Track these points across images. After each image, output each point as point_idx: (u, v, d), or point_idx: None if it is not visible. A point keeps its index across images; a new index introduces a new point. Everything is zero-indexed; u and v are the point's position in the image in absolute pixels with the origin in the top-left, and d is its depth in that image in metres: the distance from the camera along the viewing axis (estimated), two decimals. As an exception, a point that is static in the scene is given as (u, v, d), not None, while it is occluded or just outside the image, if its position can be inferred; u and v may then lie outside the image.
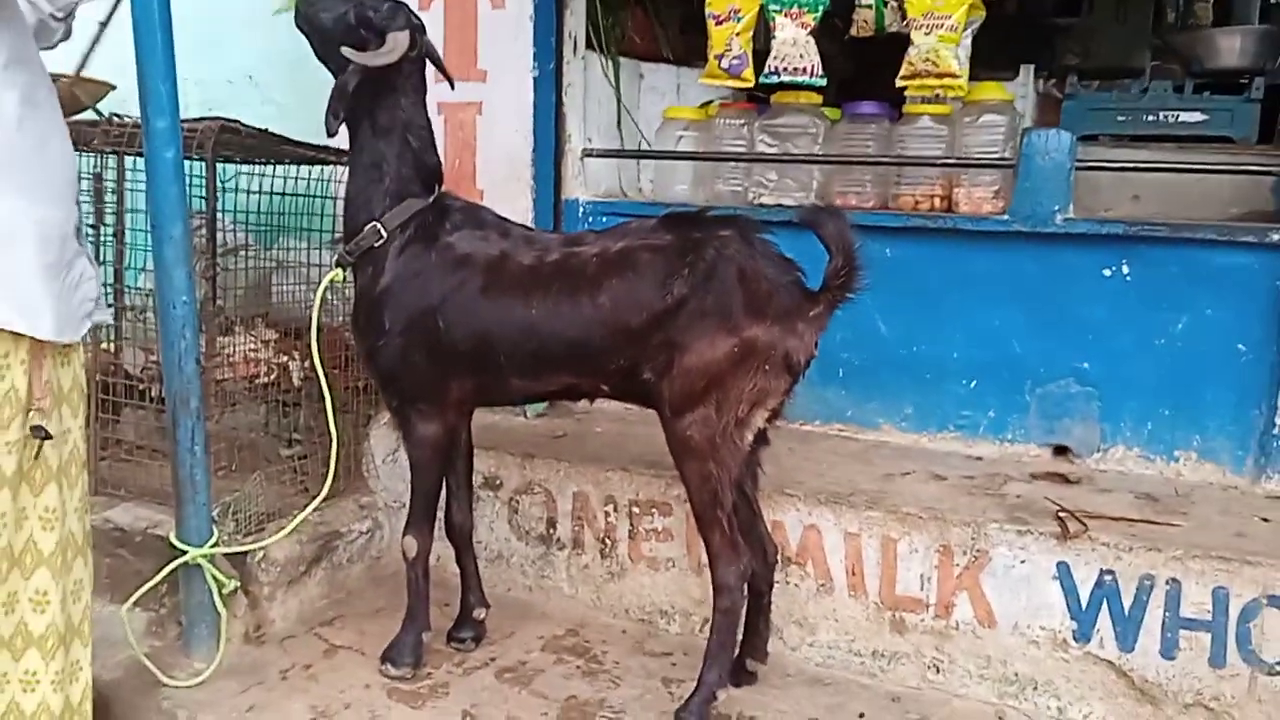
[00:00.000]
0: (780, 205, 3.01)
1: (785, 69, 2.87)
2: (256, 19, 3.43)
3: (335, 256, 2.35)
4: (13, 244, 1.68)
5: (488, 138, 3.12)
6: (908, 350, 2.91)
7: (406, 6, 2.25)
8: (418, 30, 2.23)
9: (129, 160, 2.88)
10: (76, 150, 1.89)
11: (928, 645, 2.38)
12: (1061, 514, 2.34)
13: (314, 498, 2.44)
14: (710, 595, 2.20)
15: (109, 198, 2.92)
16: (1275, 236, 2.52)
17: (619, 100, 3.43)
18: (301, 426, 3.03)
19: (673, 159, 3.32)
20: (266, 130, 2.68)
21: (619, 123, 3.45)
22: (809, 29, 2.84)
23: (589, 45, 3.27)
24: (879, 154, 2.99)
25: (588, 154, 3.27)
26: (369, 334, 2.26)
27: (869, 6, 2.87)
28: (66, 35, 1.98)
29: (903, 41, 2.80)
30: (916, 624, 2.39)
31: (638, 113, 3.55)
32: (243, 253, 3.07)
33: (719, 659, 2.17)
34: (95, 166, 2.82)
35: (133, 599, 2.31)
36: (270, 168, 2.99)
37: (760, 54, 3.02)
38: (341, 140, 3.14)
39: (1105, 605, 2.23)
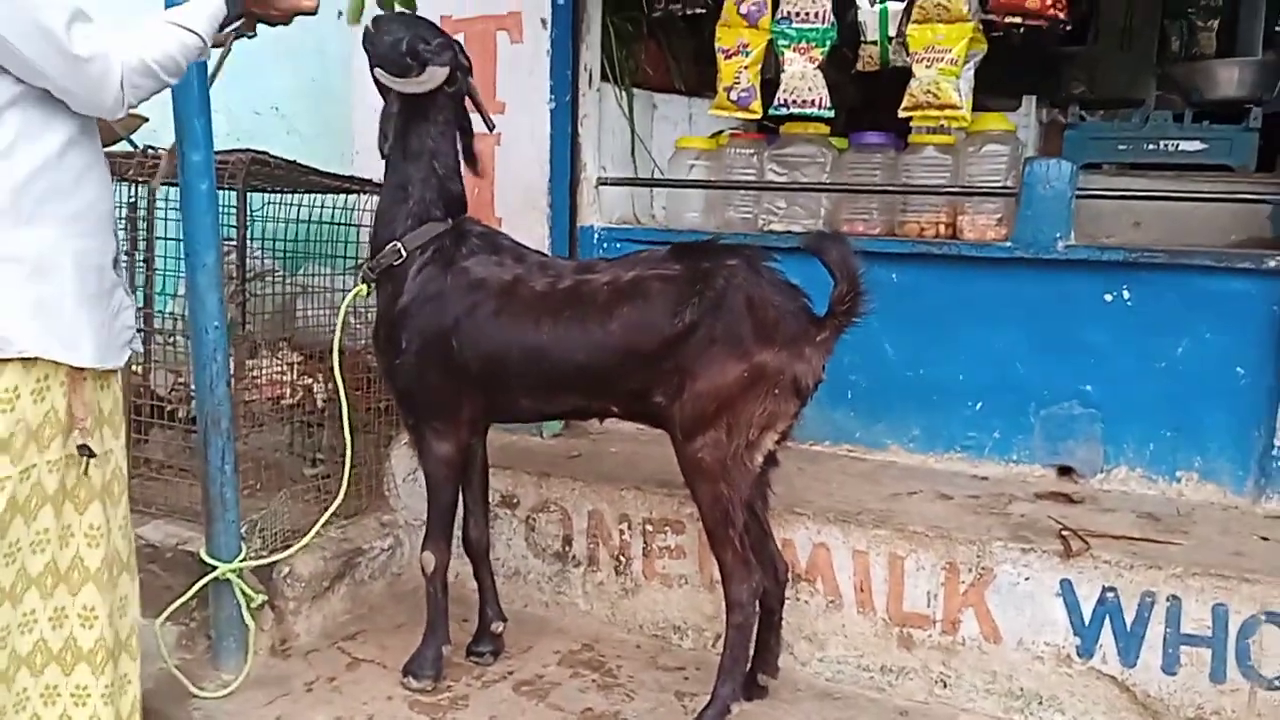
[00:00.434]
0: (789, 232, 3.09)
1: (794, 101, 2.96)
2: (283, 52, 3.57)
3: (360, 274, 2.45)
4: (52, 274, 1.76)
5: (505, 167, 3.22)
6: (914, 373, 2.98)
7: (459, 46, 2.37)
8: (461, 70, 2.34)
9: (159, 190, 3.00)
10: (112, 181, 1.99)
11: (934, 660, 2.44)
12: (1064, 532, 2.40)
13: (327, 508, 2.52)
14: (722, 611, 2.27)
15: (140, 226, 3.03)
16: (1272, 263, 2.58)
17: (633, 130, 3.54)
18: (325, 446, 3.12)
19: (685, 187, 3.41)
20: (294, 161, 2.79)
21: (633, 152, 3.55)
22: (816, 63, 2.94)
23: (604, 77, 3.38)
24: (885, 182, 3.08)
25: (602, 182, 3.36)
26: (388, 352, 2.36)
27: (874, 43, 2.96)
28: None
29: (907, 74, 2.89)
30: (923, 640, 2.45)
31: (651, 142, 3.65)
32: (269, 278, 3.17)
33: (732, 673, 2.23)
34: (130, 196, 2.93)
35: (165, 614, 2.39)
36: (296, 196, 3.09)
37: (769, 84, 3.11)
38: (363, 169, 3.28)
39: (1108, 621, 2.29)
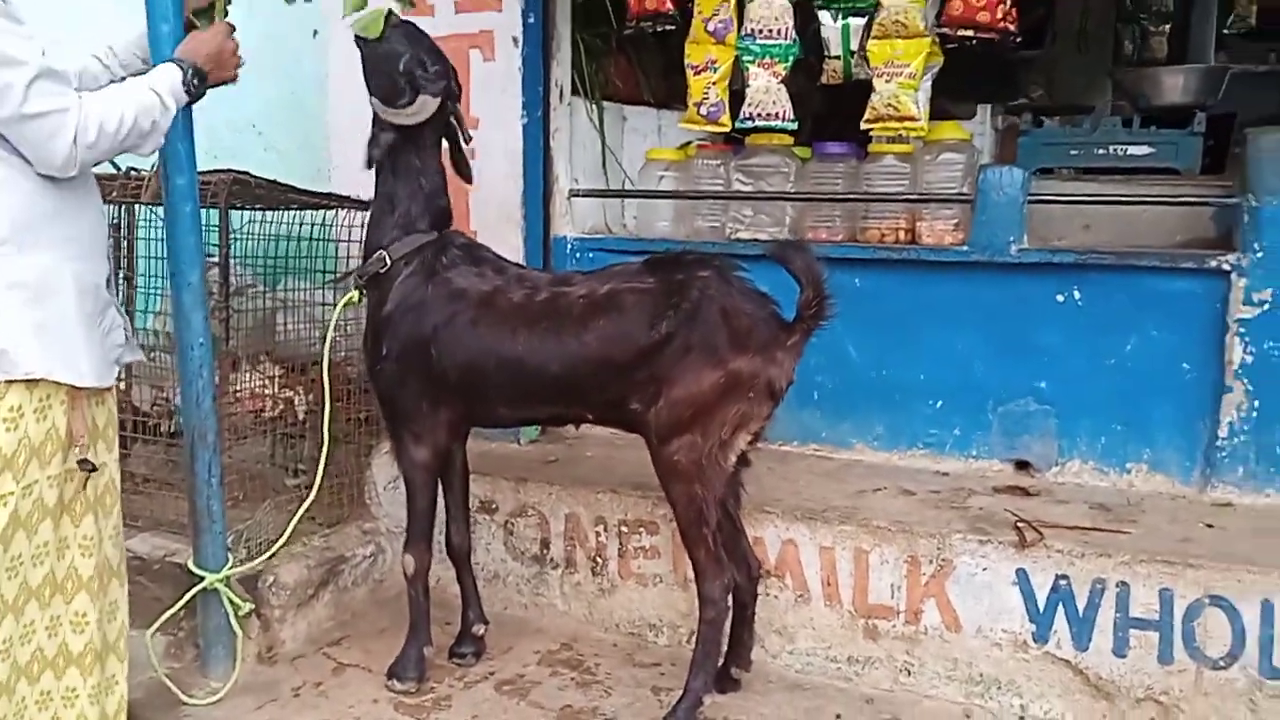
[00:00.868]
0: (756, 240, 3.20)
1: (759, 114, 3.06)
2: (260, 71, 3.62)
3: (350, 281, 2.53)
4: (53, 297, 1.85)
5: (480, 181, 3.24)
6: (878, 374, 3.09)
7: (453, 72, 2.45)
8: (451, 98, 2.43)
9: (138, 210, 3.07)
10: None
11: (899, 650, 2.54)
12: (1020, 524, 2.51)
13: (310, 517, 2.60)
14: (696, 608, 2.37)
15: (122, 245, 3.10)
16: (1214, 263, 2.70)
17: (603, 142, 3.62)
18: (306, 458, 3.18)
19: (655, 197, 3.51)
20: (274, 181, 2.86)
21: (604, 163, 3.64)
22: (780, 77, 3.04)
23: (574, 91, 3.46)
24: (847, 191, 3.18)
25: (574, 194, 3.45)
26: (372, 356, 2.45)
27: (837, 57, 3.07)
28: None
29: (869, 86, 3.00)
30: (888, 630, 2.55)
31: (621, 153, 3.74)
32: (249, 293, 3.24)
33: (705, 667, 2.33)
34: (113, 217, 2.99)
35: (156, 624, 2.46)
36: (275, 214, 3.16)
37: (736, 93, 3.21)
38: (340, 185, 3.35)
39: (1061, 608, 2.40)
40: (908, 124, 2.89)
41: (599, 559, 2.87)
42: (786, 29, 3.04)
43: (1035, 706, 2.43)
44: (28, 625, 1.91)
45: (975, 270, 2.93)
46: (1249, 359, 2.67)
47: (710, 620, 2.31)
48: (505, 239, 3.20)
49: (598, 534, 2.86)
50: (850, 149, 3.21)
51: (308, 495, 2.96)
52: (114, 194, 2.84)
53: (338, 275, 3.31)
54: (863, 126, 2.97)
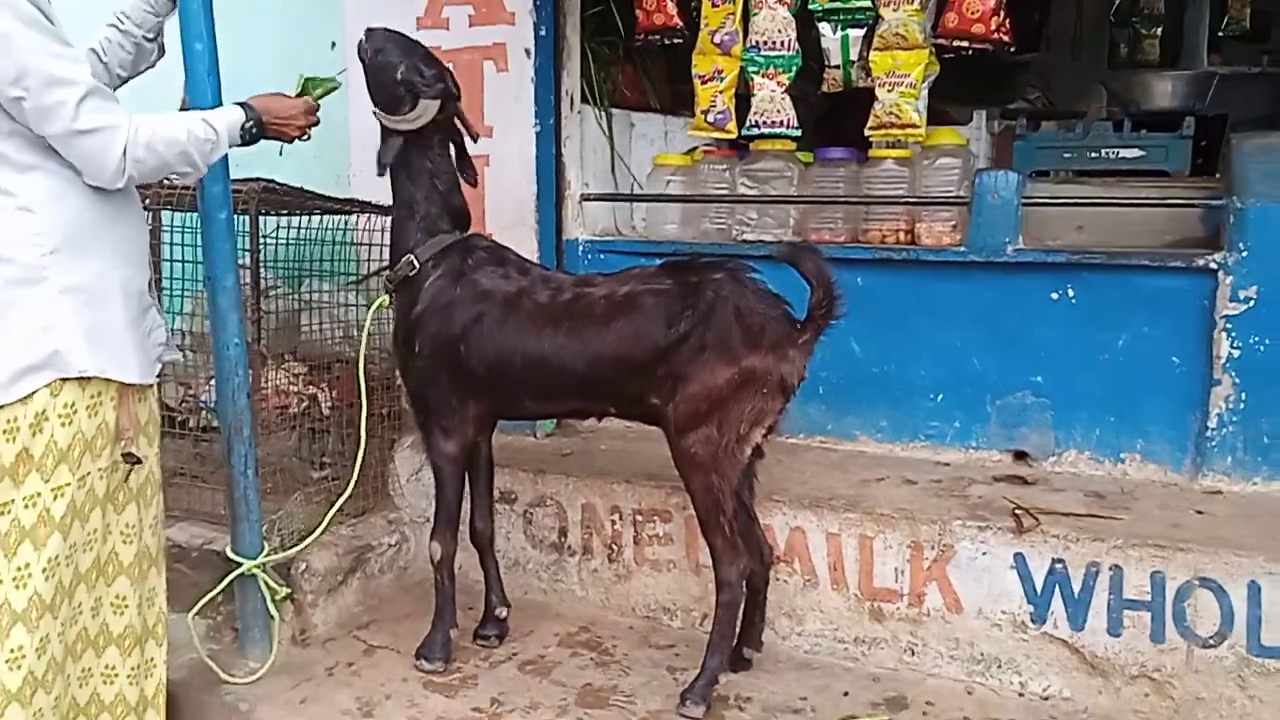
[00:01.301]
0: (761, 241, 3.32)
1: (764, 122, 3.20)
2: (281, 80, 3.74)
3: (381, 283, 2.66)
4: (104, 301, 1.97)
5: (495, 186, 3.42)
6: (880, 369, 3.21)
7: (449, 75, 2.57)
8: (451, 98, 2.54)
9: (164, 215, 3.20)
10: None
11: (903, 631, 2.65)
12: (1017, 511, 2.62)
13: (340, 495, 2.72)
14: (708, 592, 2.50)
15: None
16: (1201, 261, 2.81)
17: (613, 148, 3.75)
18: (331, 451, 3.31)
19: (663, 201, 3.63)
20: (300, 188, 2.99)
21: (613, 168, 3.76)
22: (784, 87, 3.17)
23: (584, 99, 3.58)
24: (848, 194, 3.31)
25: (586, 198, 3.58)
26: (404, 354, 2.58)
27: (837, 67, 3.19)
28: (162, 53, 2.32)
29: (870, 92, 3.12)
30: (892, 612, 2.66)
31: (630, 158, 3.86)
32: (274, 293, 3.36)
33: (719, 647, 2.45)
34: (148, 224, 3.11)
35: (196, 608, 2.58)
36: (299, 219, 3.29)
37: (742, 99, 3.33)
38: (359, 190, 3.48)
39: (1057, 590, 2.50)
40: (909, 131, 3.02)
41: (615, 546, 2.99)
42: (789, 40, 3.18)
43: (1034, 684, 2.53)
44: (75, 608, 2.03)
45: (973, 270, 3.04)
46: (1236, 353, 2.78)
47: (726, 603, 2.42)
48: (520, 241, 3.29)
49: (613, 522, 2.98)
50: (851, 154, 3.33)
51: (333, 486, 3.11)
52: (147, 201, 2.96)
53: (359, 276, 3.44)
54: (866, 133, 3.10)
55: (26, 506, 1.88)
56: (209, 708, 2.49)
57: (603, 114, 3.70)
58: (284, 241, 3.29)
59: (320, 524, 2.67)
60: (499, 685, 2.57)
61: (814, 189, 3.37)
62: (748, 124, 3.24)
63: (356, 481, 2.69)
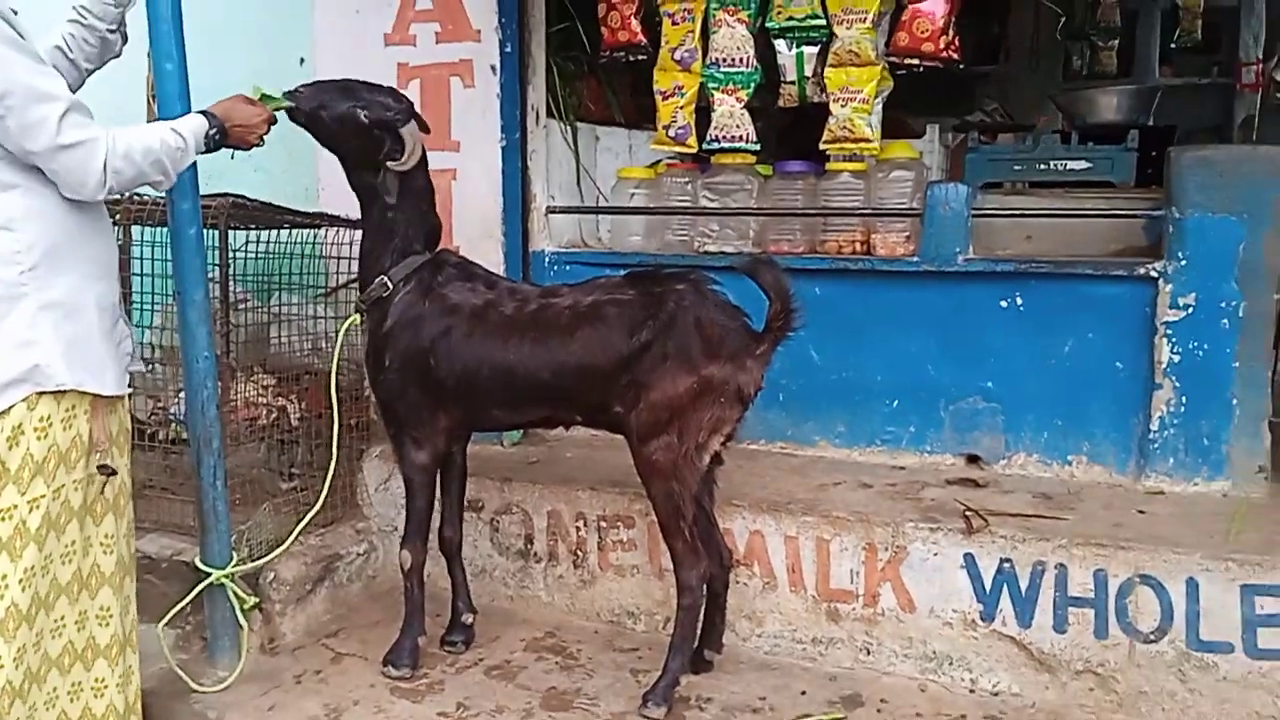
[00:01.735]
0: (723, 252, 3.40)
1: (724, 137, 3.28)
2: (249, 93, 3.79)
3: (354, 304, 2.69)
4: (82, 315, 2.02)
5: (462, 199, 3.48)
6: (838, 376, 3.29)
7: (395, 91, 2.59)
8: (418, 116, 2.57)
9: (134, 230, 3.24)
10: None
11: (859, 631, 2.73)
12: (967, 513, 2.71)
13: (304, 517, 2.76)
14: (671, 597, 2.55)
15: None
16: (1142, 270, 2.92)
17: (578, 161, 3.82)
18: (300, 462, 3.35)
19: (627, 213, 3.69)
20: (269, 203, 3.04)
21: (578, 181, 3.83)
22: (743, 102, 3.26)
23: (550, 114, 3.65)
24: (806, 206, 3.39)
25: (551, 211, 3.64)
26: (374, 368, 2.62)
27: (792, 82, 3.28)
28: (125, 41, 2.34)
29: (824, 108, 3.22)
30: (848, 613, 2.74)
31: (595, 171, 3.93)
32: (242, 306, 3.40)
33: (681, 649, 2.50)
34: (117, 239, 3.15)
35: (167, 617, 2.62)
36: (269, 233, 3.34)
37: (703, 111, 3.41)
38: (327, 205, 3.52)
39: (1006, 589, 2.58)
40: (862, 145, 3.12)
41: (580, 552, 3.05)
42: (748, 58, 3.26)
43: (984, 680, 2.61)
44: (58, 620, 2.07)
45: (925, 279, 3.14)
46: (1176, 358, 2.88)
47: (687, 606, 2.48)
48: (486, 254, 3.36)
49: (578, 529, 3.04)
50: (809, 167, 3.41)
51: (301, 497, 3.15)
52: (119, 217, 3.00)
53: (328, 289, 3.49)
54: (821, 147, 3.19)
55: (3, 519, 1.92)
56: (179, 715, 2.53)
57: (568, 128, 3.77)
58: (253, 255, 3.33)
59: (289, 535, 2.72)
60: (465, 690, 2.63)
61: (773, 201, 3.45)
62: (708, 139, 3.33)
63: (324, 489, 2.73)
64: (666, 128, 3.35)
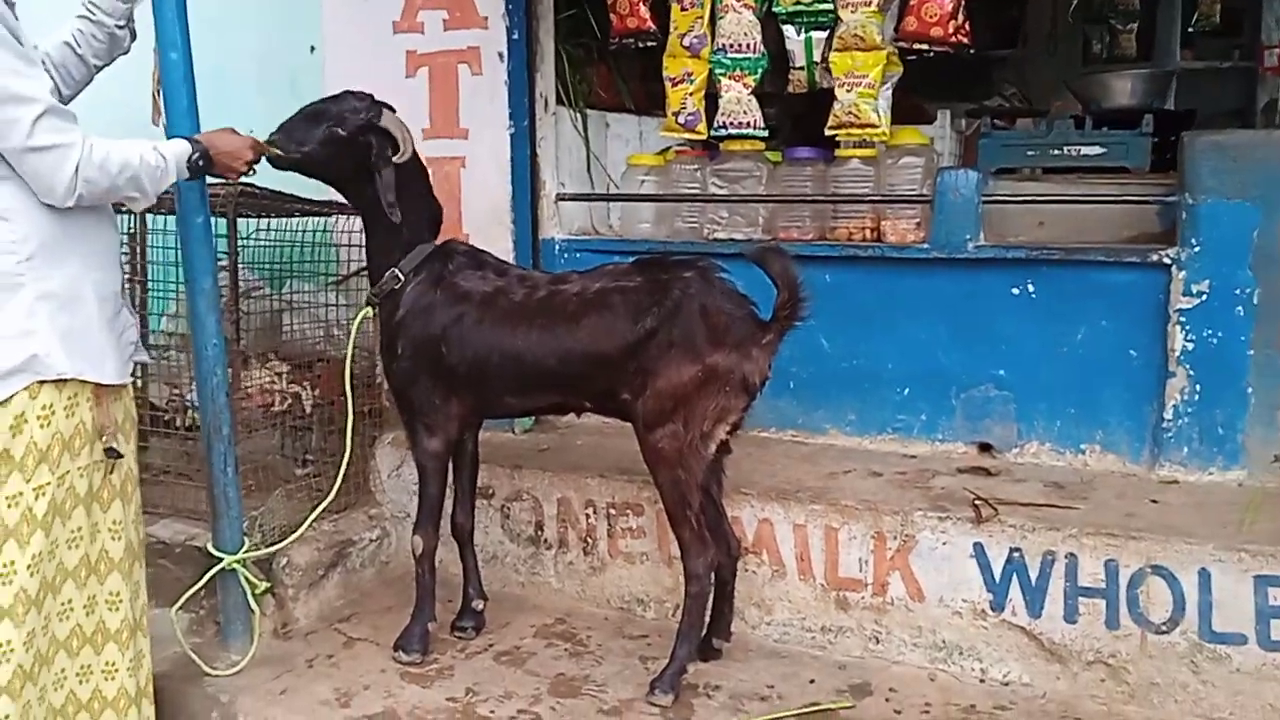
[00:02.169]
0: (732, 239, 3.39)
1: (732, 123, 3.27)
2: (259, 84, 3.80)
3: (366, 297, 2.71)
4: (80, 304, 2.04)
5: (471, 187, 3.48)
6: (848, 364, 3.28)
7: (353, 92, 2.56)
8: (382, 102, 2.55)
9: (148, 219, 3.26)
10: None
11: (868, 619, 2.73)
12: (976, 501, 2.69)
13: (318, 504, 2.78)
14: (680, 584, 2.56)
15: (136, 252, 3.29)
16: (1155, 257, 2.89)
17: (587, 148, 3.81)
18: (313, 448, 3.37)
19: (637, 200, 3.69)
20: (278, 191, 3.05)
21: (588, 168, 3.82)
22: (750, 89, 3.24)
23: (559, 101, 3.64)
24: (816, 193, 3.37)
25: (561, 198, 3.64)
26: (388, 357, 2.64)
27: (802, 68, 3.26)
28: (134, 37, 2.35)
29: (833, 94, 3.19)
30: (857, 601, 2.73)
31: (605, 158, 3.92)
32: (255, 294, 3.43)
33: (689, 637, 2.51)
34: (129, 227, 3.18)
35: (179, 602, 2.65)
36: (279, 221, 3.35)
37: (712, 98, 3.39)
38: (336, 193, 3.54)
39: (1015, 578, 2.57)
40: (868, 130, 3.09)
41: (589, 540, 3.06)
42: (755, 44, 3.24)
43: (995, 670, 2.59)
44: (65, 603, 2.10)
45: (936, 266, 3.12)
46: (1189, 346, 2.86)
47: (694, 594, 2.49)
48: (496, 241, 3.36)
49: (588, 516, 3.05)
50: (818, 153, 3.39)
51: (315, 483, 3.17)
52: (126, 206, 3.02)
53: (339, 276, 3.51)
54: (826, 132, 3.17)
55: (10, 506, 1.94)
56: (191, 699, 2.56)
57: (578, 115, 3.76)
58: (264, 243, 3.35)
59: (303, 521, 2.74)
60: (474, 675, 2.65)
61: (783, 188, 3.43)
62: (715, 125, 3.31)
63: (335, 477, 2.75)
64: (676, 114, 3.33)
